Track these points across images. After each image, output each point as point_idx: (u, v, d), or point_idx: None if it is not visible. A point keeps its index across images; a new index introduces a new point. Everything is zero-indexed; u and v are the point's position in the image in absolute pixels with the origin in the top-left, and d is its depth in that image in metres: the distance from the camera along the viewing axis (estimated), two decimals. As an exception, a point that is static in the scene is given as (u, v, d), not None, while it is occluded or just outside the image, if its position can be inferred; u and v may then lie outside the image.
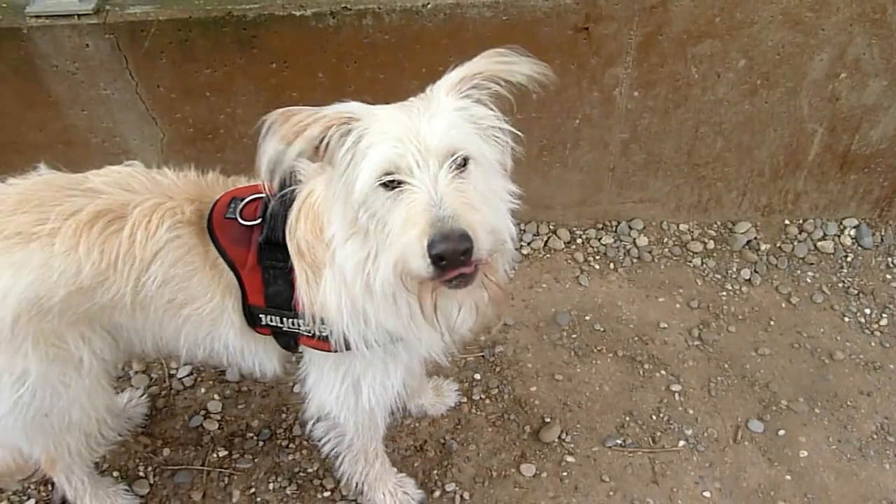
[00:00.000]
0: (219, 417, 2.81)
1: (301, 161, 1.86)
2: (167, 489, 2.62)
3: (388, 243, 1.60)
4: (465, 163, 1.59)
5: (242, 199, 1.93)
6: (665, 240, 3.42)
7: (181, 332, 2.00)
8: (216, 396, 2.86)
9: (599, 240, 3.39)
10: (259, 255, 1.90)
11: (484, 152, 1.64)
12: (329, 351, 1.97)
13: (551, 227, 3.39)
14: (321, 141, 1.60)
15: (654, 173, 3.24)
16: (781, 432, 2.80)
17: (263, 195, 1.93)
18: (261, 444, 2.74)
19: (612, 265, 3.32)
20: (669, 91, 2.96)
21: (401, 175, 1.55)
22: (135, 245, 1.83)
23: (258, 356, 2.11)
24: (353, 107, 1.64)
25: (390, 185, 1.57)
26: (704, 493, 2.63)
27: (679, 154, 3.17)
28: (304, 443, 2.73)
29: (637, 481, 2.66)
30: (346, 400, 2.10)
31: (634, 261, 3.33)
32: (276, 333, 2.02)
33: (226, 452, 2.71)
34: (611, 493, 2.62)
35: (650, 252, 3.37)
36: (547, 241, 3.36)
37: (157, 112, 2.84)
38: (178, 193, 1.93)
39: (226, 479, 2.64)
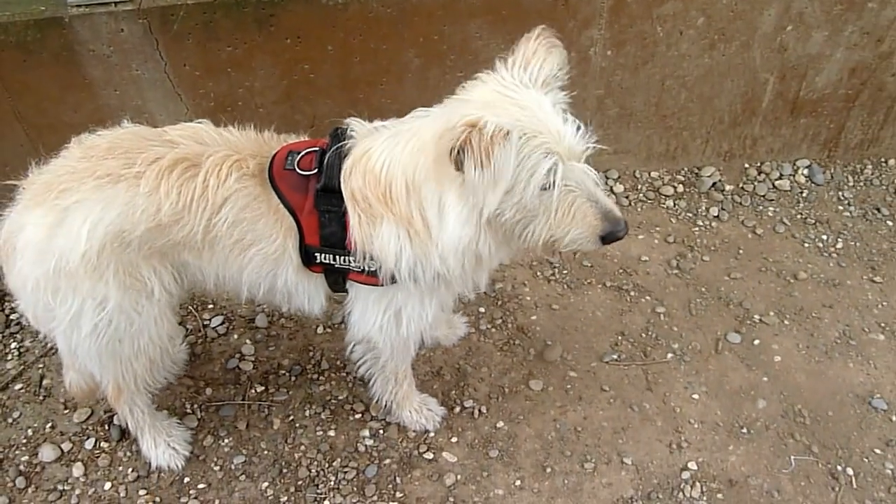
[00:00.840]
0: (252, 359, 3.10)
1: (353, 120, 2.23)
2: (214, 422, 2.91)
3: (541, 228, 2.03)
4: None
5: (298, 153, 2.22)
6: (639, 186, 3.79)
7: (244, 270, 2.29)
8: (248, 341, 3.16)
9: (582, 189, 3.74)
10: (316, 200, 2.18)
11: None
12: (376, 285, 2.27)
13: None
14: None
15: (627, 126, 3.60)
16: (756, 342, 3.17)
17: (317, 149, 2.23)
18: (293, 378, 3.04)
19: (595, 210, 3.67)
20: (638, 49, 3.33)
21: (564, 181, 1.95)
22: (208, 190, 2.13)
23: (309, 292, 2.40)
24: (500, 117, 1.86)
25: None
26: (693, 396, 2.99)
27: (648, 107, 3.54)
28: (333, 375, 3.05)
29: (634, 389, 3.01)
30: (388, 329, 2.41)
31: (615, 206, 3.69)
32: (328, 271, 2.32)
33: (262, 388, 3.01)
34: (611, 401, 2.97)
35: (627, 197, 3.73)
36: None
37: (182, 89, 3.15)
38: (243, 148, 2.23)
39: (265, 410, 2.94)
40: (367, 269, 2.23)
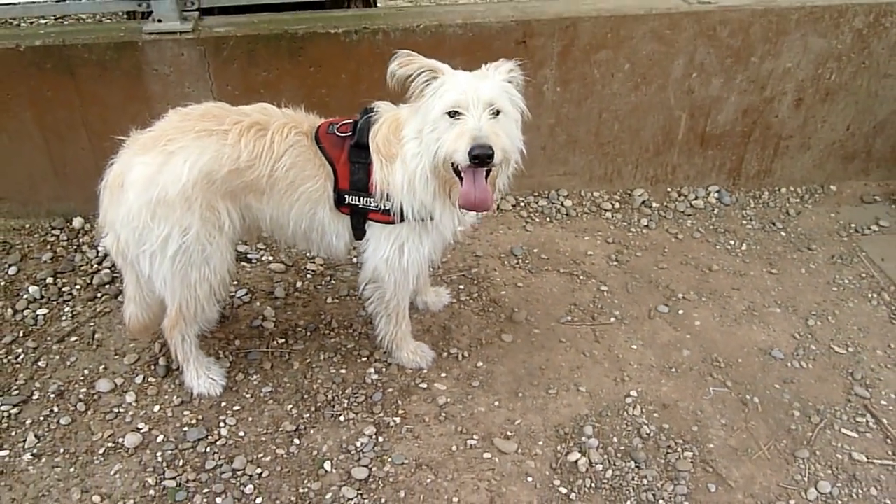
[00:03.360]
0: (273, 320, 3.73)
1: (380, 102, 3.07)
2: (243, 364, 3.51)
3: (442, 144, 2.74)
4: (497, 112, 2.76)
5: (337, 124, 3.04)
6: (584, 202, 4.64)
7: (293, 207, 3.02)
8: (269, 307, 3.80)
9: (537, 203, 4.60)
10: (349, 153, 2.98)
11: (508, 109, 2.81)
12: (388, 222, 3.03)
13: (500, 194, 4.53)
14: (416, 76, 2.76)
15: (573, 151, 4.48)
16: (681, 312, 3.94)
17: (350, 121, 3.04)
18: (308, 333, 3.67)
19: (548, 219, 4.51)
20: (580, 87, 4.25)
21: (461, 110, 2.71)
22: (273, 144, 2.91)
23: (338, 229, 3.12)
24: (440, 65, 2.81)
25: (452, 115, 2.72)
26: (632, 346, 3.71)
27: (589, 135, 4.43)
28: (342, 331, 3.69)
29: (585, 342, 3.72)
30: (393, 260, 3.12)
31: (564, 216, 4.53)
32: (353, 213, 3.06)
33: (283, 340, 3.63)
34: (567, 349, 3.67)
35: (574, 210, 4.58)
36: (499, 205, 4.56)
37: (222, 106, 3.92)
38: (297, 119, 3.03)
39: (286, 356, 3.55)
40: (382, 207, 2.98)
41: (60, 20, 4.15)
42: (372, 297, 3.34)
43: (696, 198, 4.72)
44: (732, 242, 4.45)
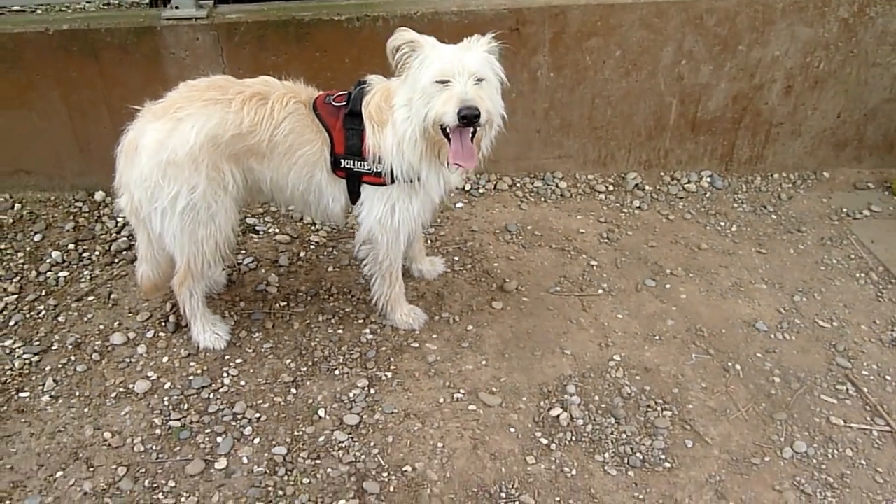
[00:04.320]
0: (277, 286, 3.97)
1: (375, 76, 3.31)
2: (247, 323, 3.74)
3: (432, 108, 2.98)
4: (481, 80, 3.00)
5: (333, 95, 3.29)
6: (579, 185, 4.83)
7: (292, 170, 3.26)
8: (273, 274, 4.03)
9: (532, 184, 4.80)
10: (344, 121, 3.22)
11: (490, 78, 3.06)
12: (381, 184, 3.26)
13: (497, 175, 4.82)
14: (406, 48, 3.03)
15: (567, 135, 4.67)
16: (668, 286, 4.09)
17: (345, 92, 3.29)
18: (309, 298, 3.90)
19: (542, 199, 4.71)
20: (573, 73, 4.45)
21: (448, 78, 2.95)
22: (274, 111, 3.16)
23: (334, 193, 3.36)
24: (425, 38, 3.05)
25: (440, 82, 2.96)
26: (618, 316, 3.87)
27: (583, 120, 4.62)
28: (341, 297, 3.90)
29: (572, 310, 3.89)
30: (385, 219, 3.34)
31: (559, 197, 4.72)
32: (348, 176, 3.30)
33: (285, 303, 3.86)
34: (555, 316, 3.84)
35: (569, 191, 4.76)
36: (496, 185, 4.77)
37: (234, 88, 4.19)
38: (296, 90, 3.29)
39: (287, 317, 3.78)
40: (375, 170, 3.22)
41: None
42: (367, 259, 3.56)
43: (689, 182, 4.88)
44: (723, 224, 4.59)
